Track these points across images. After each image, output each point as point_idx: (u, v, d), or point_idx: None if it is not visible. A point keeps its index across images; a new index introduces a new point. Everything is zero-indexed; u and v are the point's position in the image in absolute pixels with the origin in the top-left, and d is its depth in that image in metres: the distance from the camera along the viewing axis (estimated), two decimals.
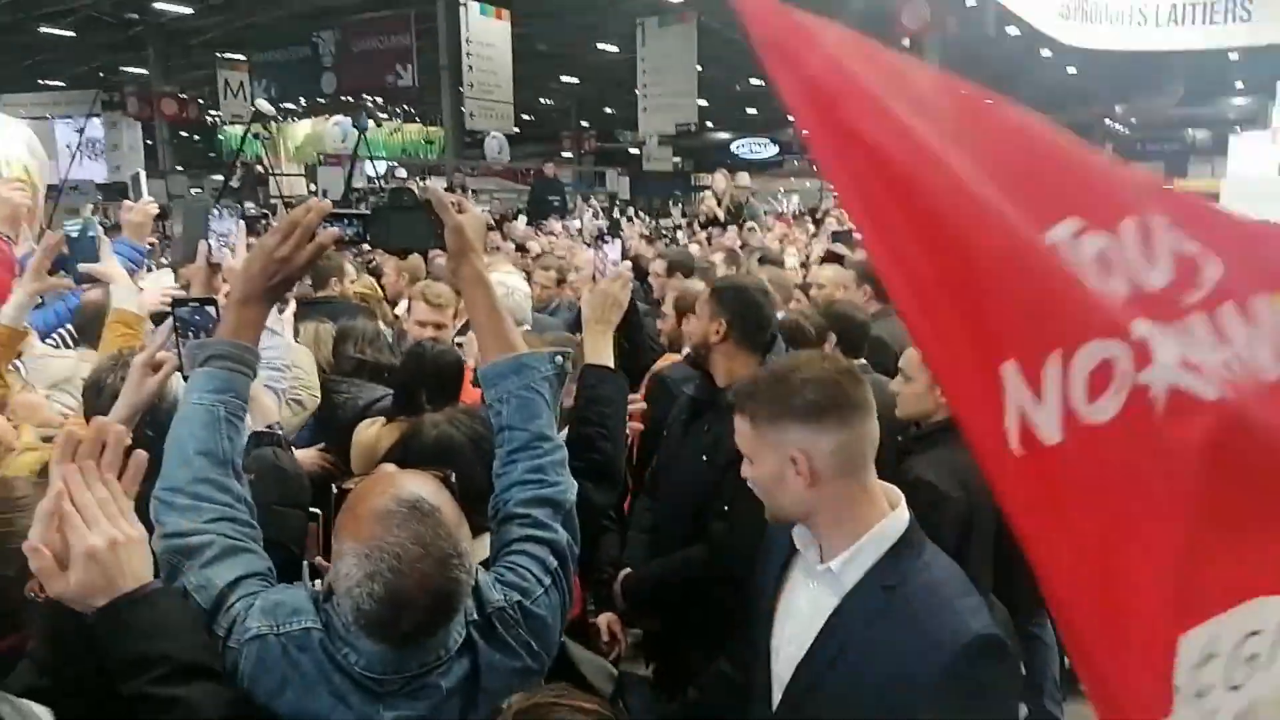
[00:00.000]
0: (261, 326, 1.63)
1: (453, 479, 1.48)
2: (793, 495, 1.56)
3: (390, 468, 1.52)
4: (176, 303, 1.94)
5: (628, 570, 2.72)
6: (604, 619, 2.72)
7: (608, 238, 2.51)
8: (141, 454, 1.38)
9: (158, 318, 2.60)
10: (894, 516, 1.58)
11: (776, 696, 1.64)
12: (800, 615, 1.63)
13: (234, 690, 1.34)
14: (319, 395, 3.14)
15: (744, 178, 9.71)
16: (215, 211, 2.38)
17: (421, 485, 1.40)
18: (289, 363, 2.83)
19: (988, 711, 1.44)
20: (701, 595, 2.52)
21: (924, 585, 1.51)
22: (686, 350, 3.42)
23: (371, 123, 24.88)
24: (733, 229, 8.46)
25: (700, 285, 3.60)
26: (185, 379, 1.83)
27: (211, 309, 1.91)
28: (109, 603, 1.28)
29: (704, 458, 2.56)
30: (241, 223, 2.41)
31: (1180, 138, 25.94)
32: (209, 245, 2.28)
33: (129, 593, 1.29)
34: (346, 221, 1.64)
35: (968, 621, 1.46)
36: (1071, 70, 26.49)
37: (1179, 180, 16.20)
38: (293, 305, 3.31)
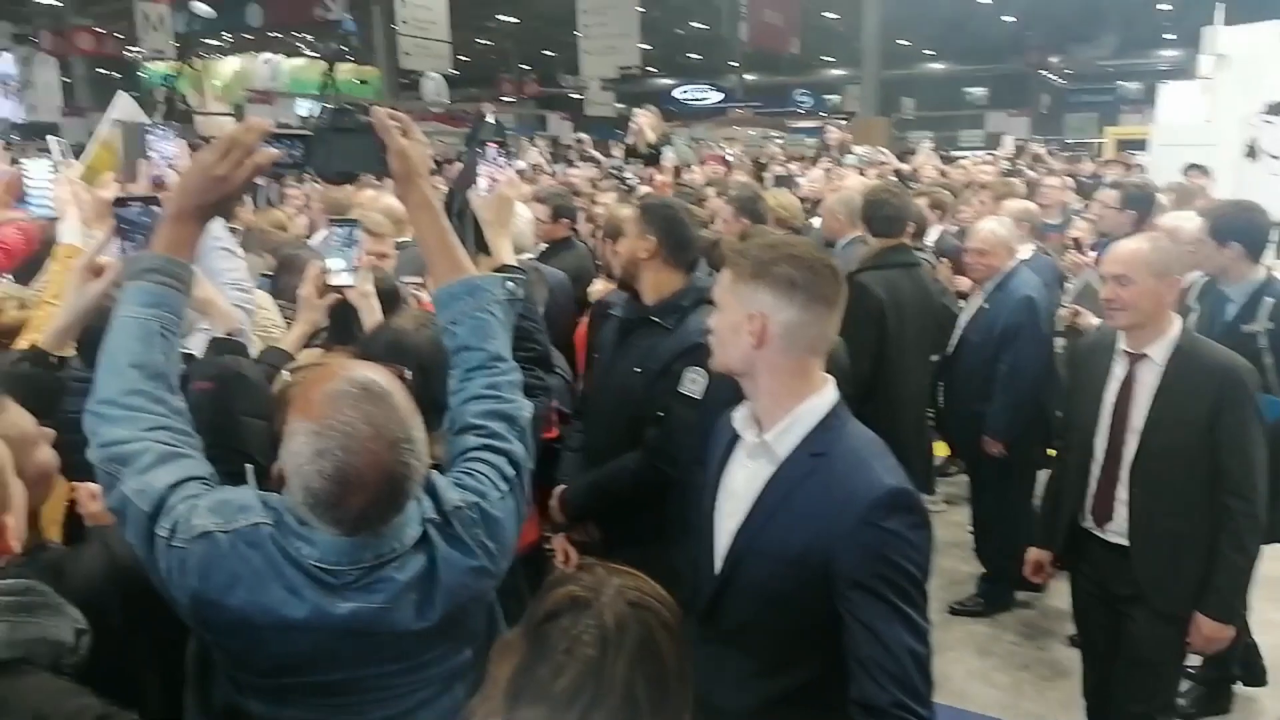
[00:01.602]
0: (195, 244, 1.59)
1: (407, 374, 1.48)
2: (740, 350, 1.68)
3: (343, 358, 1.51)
4: (118, 202, 1.88)
5: (563, 485, 2.78)
6: (557, 541, 2.78)
7: (499, 155, 2.51)
8: None
9: None
10: (823, 393, 1.70)
11: (718, 567, 1.74)
12: (739, 490, 1.74)
13: None
14: (280, 324, 3.04)
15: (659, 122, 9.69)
16: (156, 132, 2.31)
17: (374, 371, 1.41)
18: (255, 304, 2.82)
19: (899, 556, 1.54)
20: (638, 502, 2.60)
21: (847, 450, 1.64)
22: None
23: (301, 60, 24.06)
24: (667, 165, 8.43)
25: (626, 211, 3.70)
26: None
27: (156, 208, 1.85)
28: None
29: (637, 369, 2.63)
30: (184, 142, 2.34)
31: (1112, 89, 26.47)
32: (148, 165, 2.22)
33: None
34: (288, 143, 1.59)
35: (882, 477, 1.58)
36: (1008, 19, 26.76)
37: (1109, 128, 16.55)
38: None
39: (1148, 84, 25.06)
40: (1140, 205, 4.96)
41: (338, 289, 2.34)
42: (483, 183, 2.38)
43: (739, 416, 1.78)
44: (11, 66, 21.05)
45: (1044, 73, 27.82)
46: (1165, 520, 2.61)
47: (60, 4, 22.06)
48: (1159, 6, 25.04)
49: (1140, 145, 10.51)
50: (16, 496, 1.23)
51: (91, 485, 1.74)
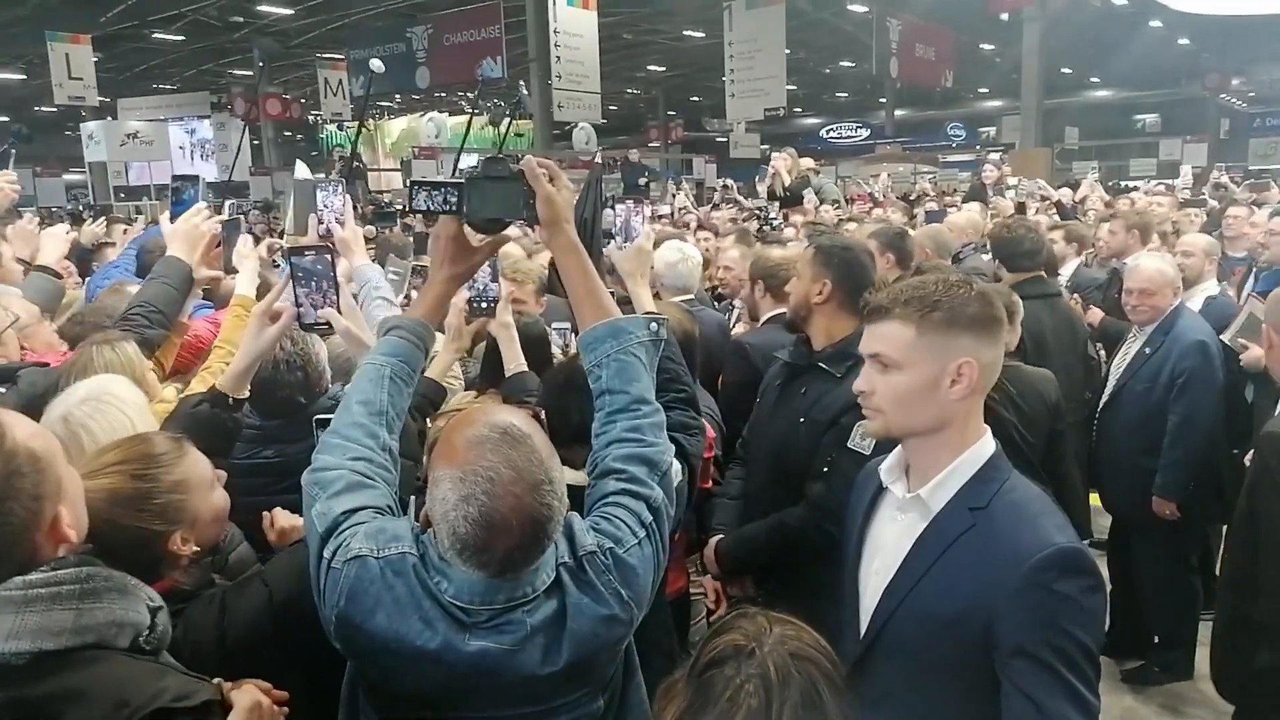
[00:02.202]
0: (445, 305, 1.81)
1: (542, 415, 1.51)
2: (939, 404, 1.54)
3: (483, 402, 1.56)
4: (293, 251, 2.00)
5: (720, 536, 2.69)
6: (707, 581, 2.72)
7: (629, 204, 2.55)
8: None
9: None
10: (983, 442, 1.57)
11: (864, 627, 1.64)
12: (887, 546, 1.63)
13: None
14: (460, 378, 3.10)
15: (807, 161, 9.61)
16: (324, 188, 2.47)
17: (513, 415, 1.45)
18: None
19: (1070, 623, 1.40)
20: (798, 557, 2.49)
21: (1009, 504, 1.51)
22: (768, 315, 3.45)
23: (462, 117, 25.41)
24: (809, 206, 8.34)
25: (778, 253, 3.65)
26: (302, 326, 1.98)
27: (328, 256, 1.98)
28: None
29: (801, 420, 2.52)
30: (348, 197, 2.49)
31: None
32: (319, 218, 2.38)
33: None
34: (448, 190, 1.65)
35: (1050, 535, 1.45)
36: (1184, 42, 25.16)
37: None
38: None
39: None
40: None
41: (478, 316, 2.42)
42: (638, 227, 2.42)
43: (886, 467, 1.67)
44: (209, 132, 23.31)
45: (1224, 96, 25.93)
46: (1235, 601, 2.38)
47: (251, 74, 24.24)
48: None
49: None
50: (70, 486, 1.26)
51: (279, 511, 1.90)
